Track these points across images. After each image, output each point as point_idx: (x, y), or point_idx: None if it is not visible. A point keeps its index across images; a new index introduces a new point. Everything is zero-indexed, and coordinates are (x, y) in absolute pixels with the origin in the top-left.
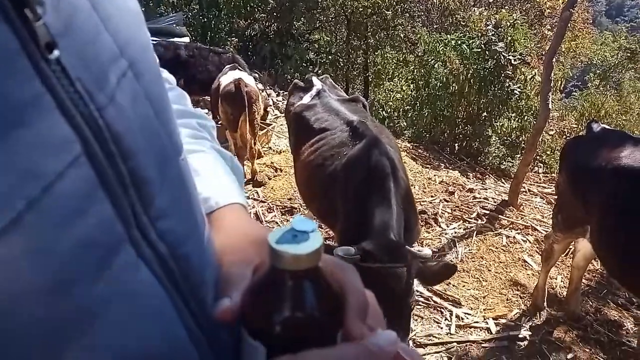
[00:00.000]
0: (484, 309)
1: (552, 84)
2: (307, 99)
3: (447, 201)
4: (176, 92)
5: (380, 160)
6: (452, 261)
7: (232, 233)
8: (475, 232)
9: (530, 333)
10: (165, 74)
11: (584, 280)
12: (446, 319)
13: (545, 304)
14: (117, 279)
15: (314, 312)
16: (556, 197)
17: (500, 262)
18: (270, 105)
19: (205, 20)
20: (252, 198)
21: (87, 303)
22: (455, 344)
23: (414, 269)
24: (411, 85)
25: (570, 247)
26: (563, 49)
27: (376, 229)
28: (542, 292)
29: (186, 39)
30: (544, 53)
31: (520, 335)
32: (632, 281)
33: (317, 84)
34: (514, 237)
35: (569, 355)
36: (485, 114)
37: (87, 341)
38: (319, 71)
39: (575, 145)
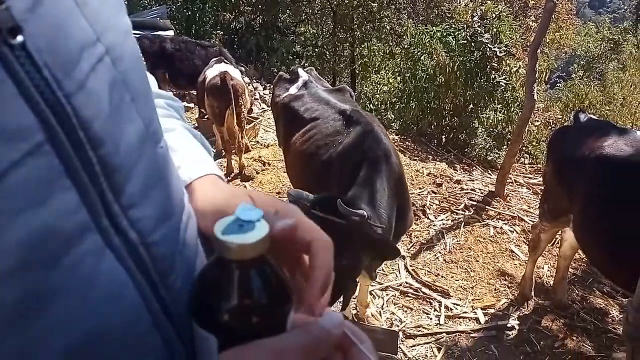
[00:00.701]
0: (472, 299)
1: (537, 75)
2: (293, 89)
3: (434, 193)
4: None
5: (374, 145)
6: (440, 252)
7: (201, 203)
8: (462, 223)
9: (518, 322)
10: None
11: (570, 269)
12: (435, 310)
13: (532, 293)
14: (76, 266)
15: (261, 301)
16: (543, 187)
17: (488, 252)
18: (257, 99)
19: (190, 13)
20: None
21: (41, 288)
22: (444, 334)
23: (359, 232)
24: (398, 78)
25: (557, 236)
26: (547, 41)
27: (347, 198)
28: (530, 281)
29: (170, 32)
30: (528, 44)
31: (508, 325)
32: (612, 269)
33: (303, 75)
34: (501, 227)
35: (557, 344)
36: (471, 105)
37: (41, 325)
38: (306, 64)
39: (561, 135)
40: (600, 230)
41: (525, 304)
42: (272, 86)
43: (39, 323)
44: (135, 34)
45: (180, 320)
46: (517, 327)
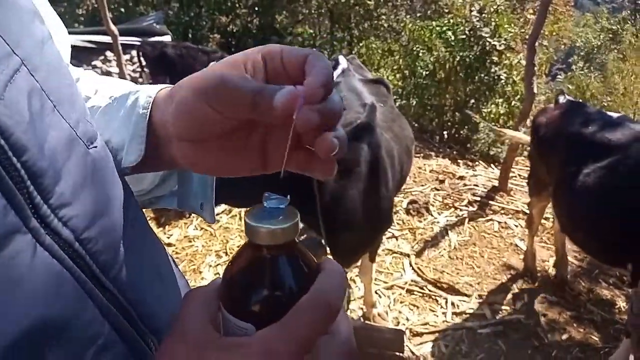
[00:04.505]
0: (478, 295)
1: (536, 68)
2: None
3: (437, 190)
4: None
5: (363, 136)
6: (445, 249)
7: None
8: (467, 219)
9: (524, 316)
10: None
11: (575, 262)
12: (442, 307)
13: (536, 266)
14: (8, 264)
15: (293, 287)
16: (529, 163)
17: (493, 247)
18: None
19: (187, 18)
20: None
21: None
22: (451, 331)
23: None
24: (397, 75)
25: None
26: (546, 33)
27: None
28: (532, 255)
29: (167, 38)
30: (527, 37)
31: (515, 319)
32: (576, 234)
33: (343, 63)
34: (506, 222)
35: (564, 336)
36: (472, 100)
37: None
38: None
39: (541, 114)
40: (568, 198)
41: (531, 277)
42: None
43: None
44: (135, 40)
45: (137, 310)
46: (523, 322)
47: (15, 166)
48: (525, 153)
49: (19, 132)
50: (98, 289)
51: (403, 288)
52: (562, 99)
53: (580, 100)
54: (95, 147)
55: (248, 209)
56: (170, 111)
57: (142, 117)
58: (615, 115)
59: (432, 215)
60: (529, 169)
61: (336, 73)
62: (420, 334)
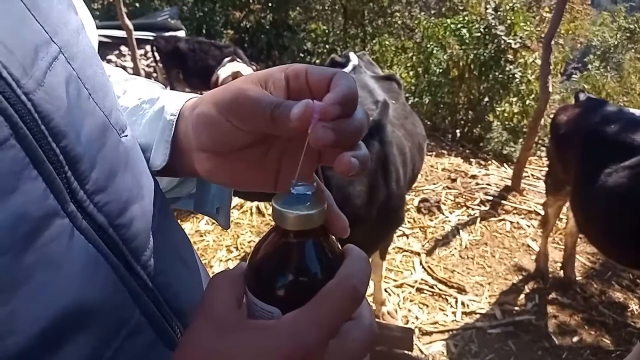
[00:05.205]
0: (489, 295)
1: (552, 67)
2: None
3: (449, 188)
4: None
5: (377, 133)
6: (456, 248)
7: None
8: (478, 219)
9: (535, 317)
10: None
11: (588, 264)
12: (451, 306)
13: (548, 268)
14: (47, 246)
15: (319, 273)
16: (547, 161)
17: (505, 247)
18: None
19: (201, 13)
20: None
21: (13, 272)
22: (461, 330)
23: None
24: (410, 73)
25: (564, 216)
26: (562, 31)
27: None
28: (544, 257)
29: (181, 33)
30: (543, 36)
31: (525, 320)
32: (594, 235)
33: (354, 59)
34: (518, 222)
35: (575, 339)
36: (486, 99)
37: (11, 307)
38: (317, 61)
39: (560, 112)
40: (585, 197)
41: (543, 280)
42: None
43: (8, 306)
44: (149, 35)
45: (163, 295)
46: (534, 323)
47: (54, 151)
48: (539, 153)
49: (58, 118)
50: (130, 273)
51: (413, 286)
52: (582, 96)
53: (599, 97)
54: (126, 135)
55: (275, 195)
56: (190, 122)
57: (169, 124)
58: (638, 112)
59: (443, 214)
60: (543, 168)
61: (347, 70)
62: (430, 333)
